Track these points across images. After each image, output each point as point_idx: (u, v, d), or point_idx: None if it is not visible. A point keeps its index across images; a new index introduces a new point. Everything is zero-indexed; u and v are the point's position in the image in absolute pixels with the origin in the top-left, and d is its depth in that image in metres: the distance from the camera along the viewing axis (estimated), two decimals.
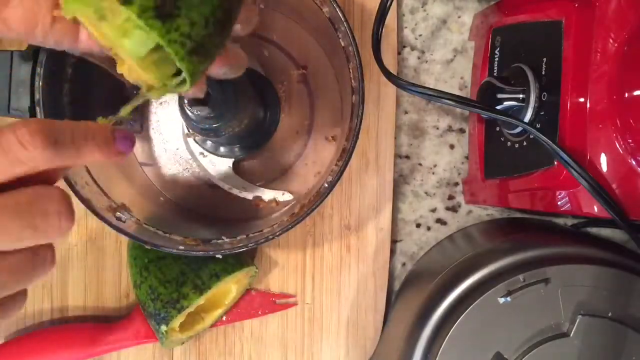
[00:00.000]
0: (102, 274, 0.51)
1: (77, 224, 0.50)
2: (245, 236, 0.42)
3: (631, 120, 0.36)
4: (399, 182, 0.53)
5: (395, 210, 0.53)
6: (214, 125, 0.39)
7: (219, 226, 0.49)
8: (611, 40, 0.37)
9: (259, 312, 0.51)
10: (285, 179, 0.50)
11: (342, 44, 0.42)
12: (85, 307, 0.51)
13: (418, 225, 0.53)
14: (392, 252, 0.53)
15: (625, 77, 0.36)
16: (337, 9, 0.40)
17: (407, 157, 0.53)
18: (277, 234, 0.39)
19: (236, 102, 0.39)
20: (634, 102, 0.36)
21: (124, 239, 0.50)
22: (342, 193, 0.51)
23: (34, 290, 0.50)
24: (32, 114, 0.38)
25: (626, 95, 0.36)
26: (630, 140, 0.37)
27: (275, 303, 0.51)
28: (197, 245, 0.41)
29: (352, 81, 0.41)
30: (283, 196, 0.49)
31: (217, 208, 0.50)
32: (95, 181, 0.41)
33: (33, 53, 0.38)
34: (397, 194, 0.53)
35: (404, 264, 0.53)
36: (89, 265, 0.51)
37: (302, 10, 0.48)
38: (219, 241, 0.41)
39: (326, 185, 0.40)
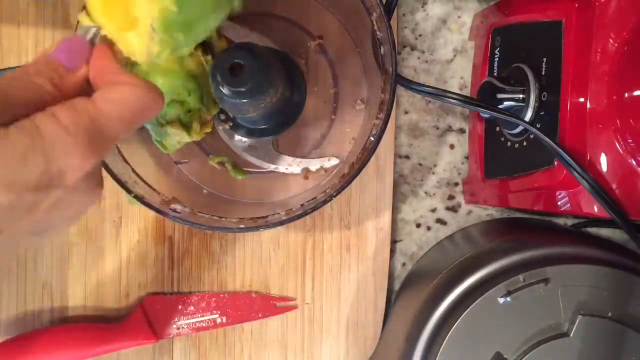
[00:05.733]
0: (102, 274, 0.51)
1: (77, 224, 0.50)
2: (300, 206, 0.42)
3: (631, 120, 0.36)
4: (399, 182, 0.53)
5: (395, 210, 0.52)
6: (246, 100, 0.39)
7: (269, 205, 0.49)
8: (611, 40, 0.37)
9: (259, 315, 0.51)
10: (323, 150, 0.50)
11: (375, 27, 0.41)
12: (85, 307, 0.51)
13: (418, 225, 0.53)
14: (392, 252, 0.53)
15: (625, 77, 0.36)
16: None
17: (407, 157, 0.53)
18: (334, 194, 0.40)
19: (268, 71, 0.39)
20: (634, 102, 0.36)
21: (124, 239, 0.50)
22: (342, 193, 0.51)
23: (34, 290, 0.50)
24: None
25: (626, 95, 0.36)
26: (630, 140, 0.37)
27: (275, 306, 0.51)
28: (254, 222, 0.41)
29: (385, 65, 0.41)
30: (330, 162, 0.49)
31: (260, 193, 0.50)
32: (142, 179, 0.42)
33: None
34: (397, 194, 0.53)
35: (404, 264, 0.53)
36: (89, 265, 0.51)
37: None
38: (275, 215, 0.42)
39: (372, 139, 0.40)
